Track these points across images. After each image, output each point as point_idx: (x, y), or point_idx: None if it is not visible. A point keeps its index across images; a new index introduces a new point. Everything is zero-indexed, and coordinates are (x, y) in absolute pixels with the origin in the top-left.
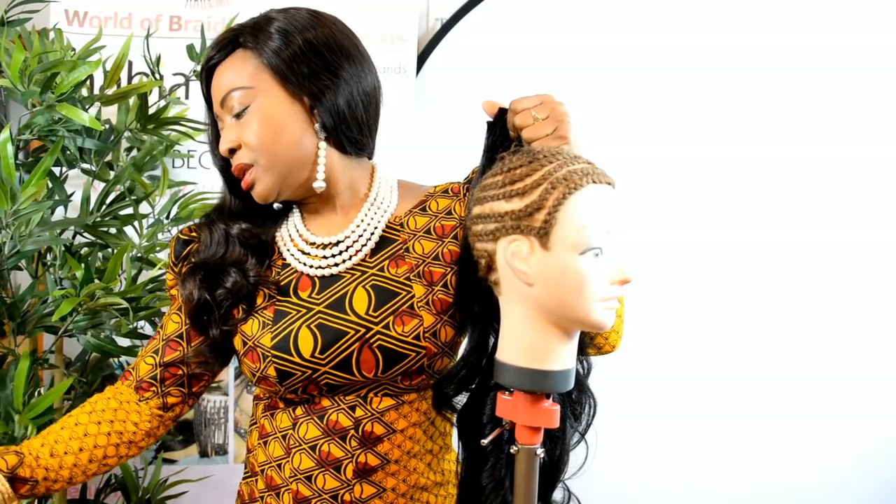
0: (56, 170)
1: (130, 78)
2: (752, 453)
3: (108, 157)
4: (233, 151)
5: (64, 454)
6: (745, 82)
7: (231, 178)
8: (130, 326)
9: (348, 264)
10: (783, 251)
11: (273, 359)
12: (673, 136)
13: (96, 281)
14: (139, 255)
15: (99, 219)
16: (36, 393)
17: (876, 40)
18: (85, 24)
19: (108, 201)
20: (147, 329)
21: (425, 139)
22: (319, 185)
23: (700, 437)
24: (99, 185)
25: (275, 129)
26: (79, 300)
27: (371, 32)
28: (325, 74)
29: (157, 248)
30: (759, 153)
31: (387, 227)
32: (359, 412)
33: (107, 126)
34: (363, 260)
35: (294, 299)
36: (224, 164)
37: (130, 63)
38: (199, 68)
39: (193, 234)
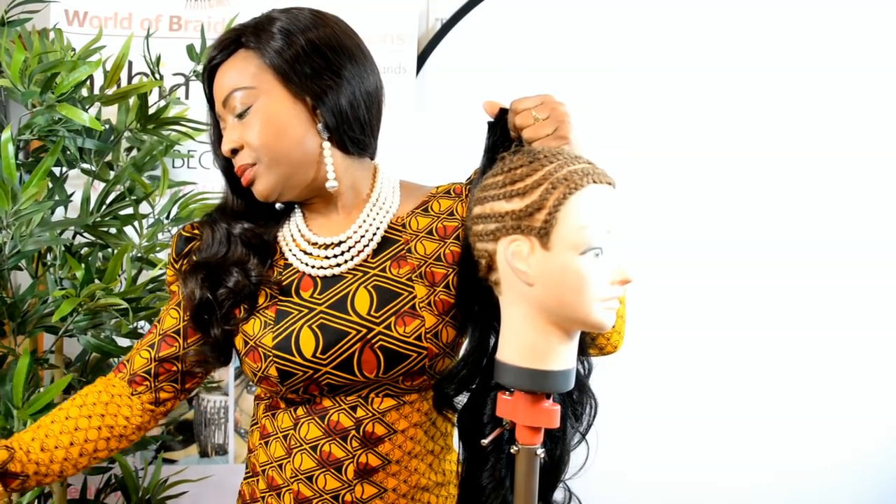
0: (56, 170)
1: (130, 78)
2: (753, 453)
3: (109, 158)
4: (235, 152)
5: (55, 448)
6: (745, 82)
7: (233, 177)
8: (130, 327)
9: (350, 265)
10: (783, 251)
11: (274, 359)
12: (673, 136)
13: (96, 281)
14: (139, 255)
15: (99, 219)
16: (36, 393)
17: (876, 40)
18: (85, 24)
19: (108, 201)
20: (147, 329)
21: (425, 139)
22: (332, 184)
23: (700, 437)
24: (99, 185)
25: (277, 130)
26: (79, 300)
27: (371, 32)
28: (328, 74)
29: (158, 249)
30: (760, 153)
31: (389, 227)
32: (360, 412)
33: (107, 126)
34: (365, 260)
35: (296, 299)
36: (226, 165)
37: (130, 63)
38: (199, 68)
39: (196, 231)
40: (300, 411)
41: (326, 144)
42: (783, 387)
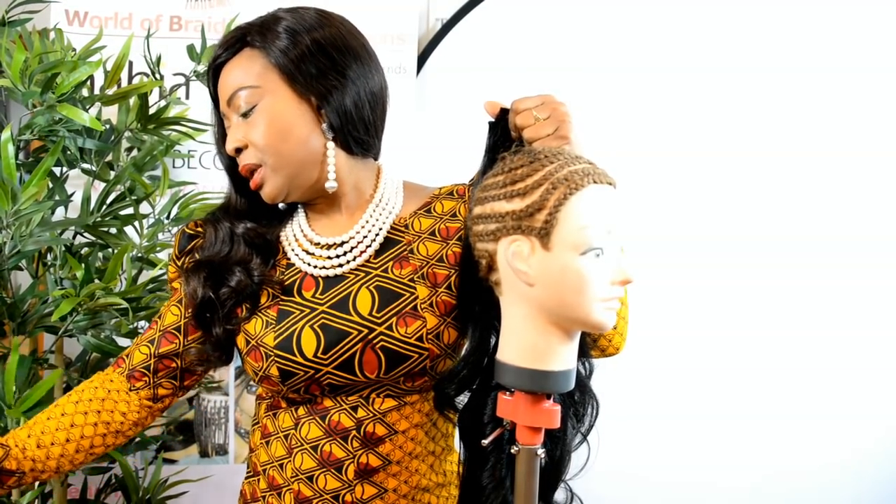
0: (56, 170)
1: (131, 78)
2: (753, 453)
3: (109, 157)
4: (239, 151)
5: (51, 445)
6: (746, 82)
7: (237, 177)
8: (130, 326)
9: (352, 265)
10: (783, 251)
11: (276, 358)
12: (673, 136)
13: (96, 281)
14: (139, 255)
15: (99, 219)
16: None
17: (876, 40)
18: (85, 24)
19: (108, 201)
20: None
21: (426, 139)
22: (331, 185)
23: (701, 436)
24: (99, 185)
25: (282, 129)
26: (79, 300)
27: (371, 32)
28: (333, 74)
29: (158, 249)
30: (760, 153)
31: (391, 228)
32: (361, 413)
33: (107, 126)
34: (367, 261)
35: (298, 299)
36: (230, 163)
37: (131, 63)
38: (199, 68)
39: (199, 228)
40: (301, 411)
41: (331, 144)
42: (783, 387)
